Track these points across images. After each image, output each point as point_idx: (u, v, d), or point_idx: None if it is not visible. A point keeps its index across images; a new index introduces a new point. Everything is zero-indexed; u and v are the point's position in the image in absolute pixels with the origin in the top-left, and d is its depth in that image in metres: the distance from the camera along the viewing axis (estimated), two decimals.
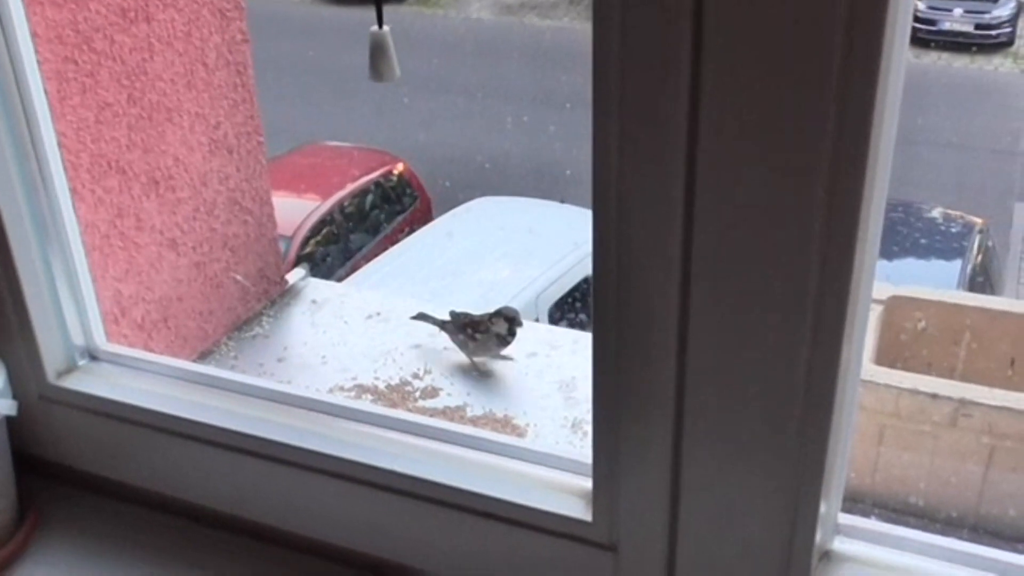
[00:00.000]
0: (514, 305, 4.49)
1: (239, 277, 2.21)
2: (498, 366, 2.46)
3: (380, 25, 1.54)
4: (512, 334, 2.40)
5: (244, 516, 1.22)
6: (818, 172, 0.75)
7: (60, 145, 1.23)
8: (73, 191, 1.26)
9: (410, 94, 9.38)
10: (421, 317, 2.58)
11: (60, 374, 1.27)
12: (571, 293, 4.90)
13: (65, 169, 1.23)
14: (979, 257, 5.90)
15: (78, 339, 1.28)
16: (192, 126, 2.06)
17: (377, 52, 1.53)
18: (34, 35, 1.15)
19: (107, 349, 1.31)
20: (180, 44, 1.98)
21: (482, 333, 2.38)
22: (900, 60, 0.75)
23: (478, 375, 2.42)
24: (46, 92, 1.19)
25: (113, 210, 1.88)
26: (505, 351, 2.45)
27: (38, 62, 1.17)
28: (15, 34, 1.12)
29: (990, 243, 6.21)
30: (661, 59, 0.76)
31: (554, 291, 4.84)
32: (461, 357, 2.47)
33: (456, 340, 2.46)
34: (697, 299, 0.83)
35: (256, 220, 2.42)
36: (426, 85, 9.56)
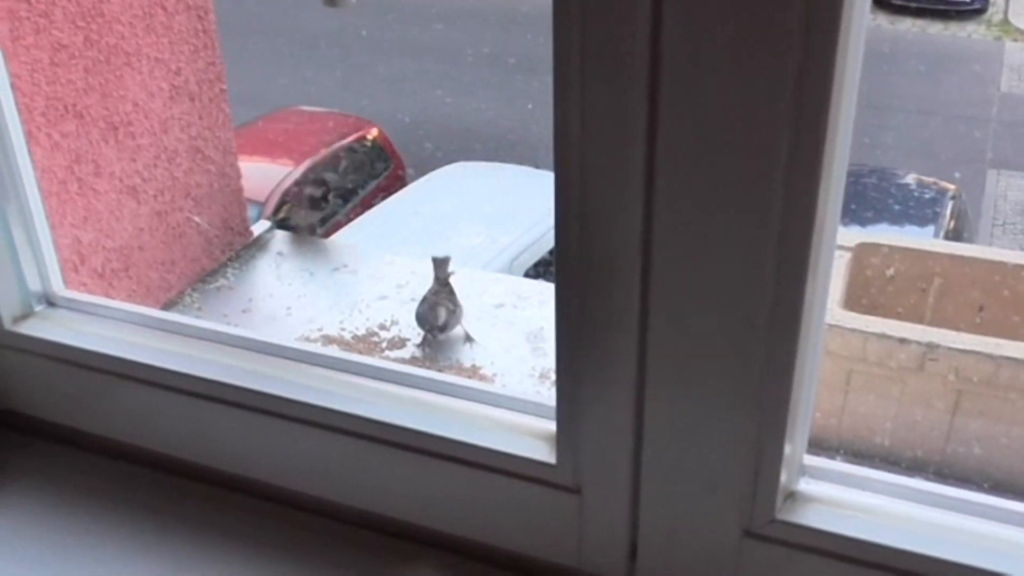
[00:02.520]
0: (490, 270, 4.50)
1: (198, 219, 2.18)
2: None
3: None
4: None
5: (207, 464, 1.21)
6: (781, 102, 0.74)
7: (13, 87, 1.19)
8: (28, 135, 1.22)
9: (392, 55, 9.29)
10: (442, 262, 2.54)
11: (16, 320, 1.24)
12: (546, 258, 4.91)
13: (19, 112, 1.20)
14: (952, 223, 5.98)
15: (34, 285, 1.26)
16: (152, 71, 2.01)
17: None
18: None
19: (65, 295, 1.28)
20: None
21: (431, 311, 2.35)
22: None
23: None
24: None
25: (70, 155, 1.84)
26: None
27: None
28: None
29: (963, 209, 6.29)
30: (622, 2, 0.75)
31: (528, 256, 4.85)
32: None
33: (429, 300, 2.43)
34: (659, 236, 0.82)
35: (219, 169, 2.38)
36: (404, 47, 9.46)
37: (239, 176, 2.54)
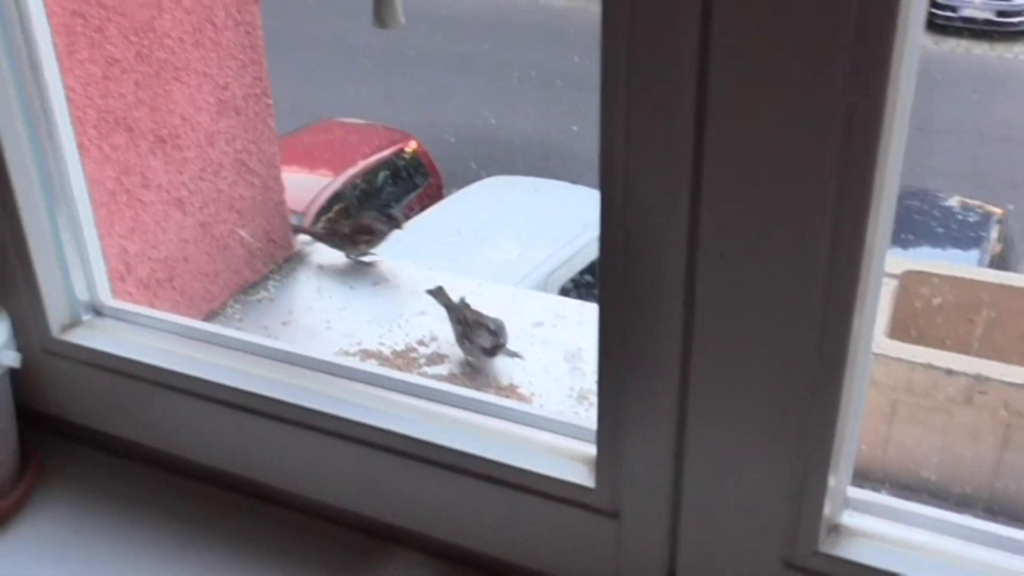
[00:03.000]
0: (524, 285, 4.48)
1: (244, 233, 2.19)
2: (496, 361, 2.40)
3: None
4: (493, 353, 2.32)
5: (244, 475, 1.22)
6: (831, 130, 0.74)
7: (68, 100, 1.21)
8: (80, 146, 1.25)
9: (424, 72, 9.35)
10: (436, 293, 2.55)
11: (64, 328, 1.26)
12: (582, 275, 4.89)
13: (72, 124, 1.22)
14: (998, 247, 5.86)
15: (82, 294, 1.28)
16: (200, 85, 2.04)
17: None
18: None
19: (111, 305, 1.30)
20: (188, 2, 1.96)
21: (469, 342, 2.33)
22: (916, 31, 0.74)
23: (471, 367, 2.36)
24: (55, 45, 1.17)
25: (119, 167, 1.87)
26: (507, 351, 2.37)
27: (46, 15, 1.15)
28: None
29: (1009, 234, 6.16)
30: (670, 26, 0.75)
31: (564, 272, 4.83)
32: None
33: (454, 328, 2.42)
34: (704, 262, 0.82)
35: (263, 183, 2.40)
36: (440, 63, 9.52)
37: (282, 190, 2.56)
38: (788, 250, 0.79)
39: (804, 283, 0.79)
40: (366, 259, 2.73)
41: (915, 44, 0.74)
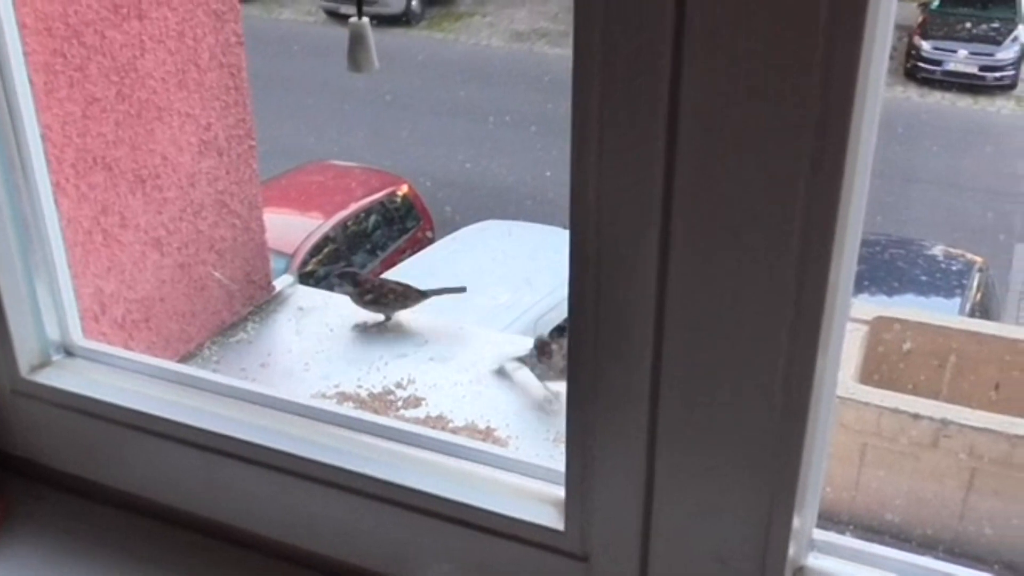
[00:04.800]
0: (513, 330, 4.48)
1: (218, 275, 2.19)
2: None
3: (360, 15, 1.53)
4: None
5: (217, 519, 1.21)
6: (797, 178, 0.75)
7: (44, 138, 1.22)
8: (56, 185, 1.25)
9: (417, 117, 9.42)
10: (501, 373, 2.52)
11: (33, 368, 1.25)
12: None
13: (48, 162, 1.22)
14: (979, 295, 5.95)
15: (53, 334, 1.27)
16: (182, 126, 2.05)
17: (356, 42, 1.52)
18: (22, 25, 1.14)
19: (83, 345, 1.29)
20: (173, 43, 1.97)
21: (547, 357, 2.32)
22: (877, 88, 0.75)
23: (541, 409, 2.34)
24: (31, 83, 1.18)
25: (97, 206, 1.87)
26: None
27: (24, 53, 1.16)
28: (1, 24, 1.12)
29: (990, 282, 6.26)
30: (641, 77, 0.76)
31: (553, 316, 4.83)
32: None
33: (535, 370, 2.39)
34: (672, 309, 0.82)
35: (244, 224, 2.40)
36: (434, 108, 9.60)
37: (263, 231, 2.57)
38: (754, 298, 0.80)
39: (770, 329, 0.80)
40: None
41: (876, 97, 0.76)
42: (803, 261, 0.77)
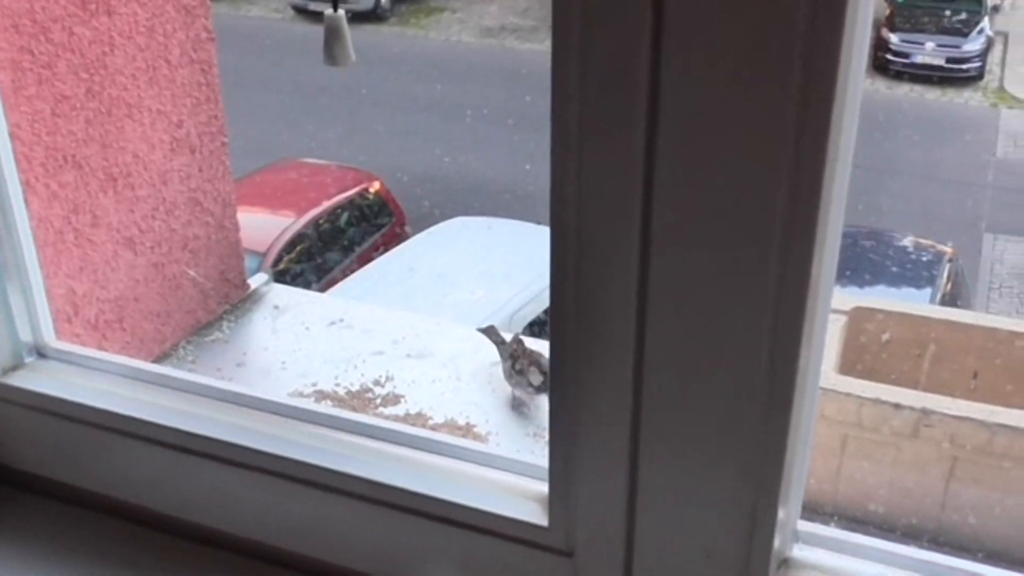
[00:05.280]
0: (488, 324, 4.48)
1: (193, 273, 2.17)
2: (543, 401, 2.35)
3: (336, 8, 1.52)
4: (541, 389, 2.29)
5: (196, 521, 1.19)
6: (778, 169, 0.75)
7: (13, 136, 1.20)
8: (26, 184, 1.23)
9: (393, 112, 9.39)
10: (488, 332, 2.51)
11: (5, 371, 1.23)
12: (546, 314, 4.86)
13: (17, 161, 1.20)
14: (949, 285, 6.02)
15: (25, 336, 1.25)
16: (153, 123, 2.02)
17: (332, 36, 1.50)
18: None
19: (56, 347, 1.27)
20: (142, 39, 1.95)
21: (518, 374, 2.31)
22: (859, 65, 0.75)
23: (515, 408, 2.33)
24: None
25: (68, 205, 1.84)
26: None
27: None
28: None
29: (960, 272, 6.34)
30: (621, 68, 0.76)
31: (528, 311, 4.84)
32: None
33: (503, 366, 2.39)
34: (654, 299, 0.82)
35: (217, 222, 2.38)
36: (410, 104, 9.57)
37: (237, 229, 2.55)
38: (736, 289, 0.79)
39: (752, 320, 0.80)
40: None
41: (857, 87, 0.76)
42: (785, 252, 0.77)
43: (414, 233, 6.52)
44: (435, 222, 6.23)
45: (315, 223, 6.78)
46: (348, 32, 1.52)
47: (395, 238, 6.79)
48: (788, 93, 0.72)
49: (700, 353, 0.83)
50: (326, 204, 6.95)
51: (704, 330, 0.81)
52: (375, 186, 7.26)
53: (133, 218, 2.03)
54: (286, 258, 6.36)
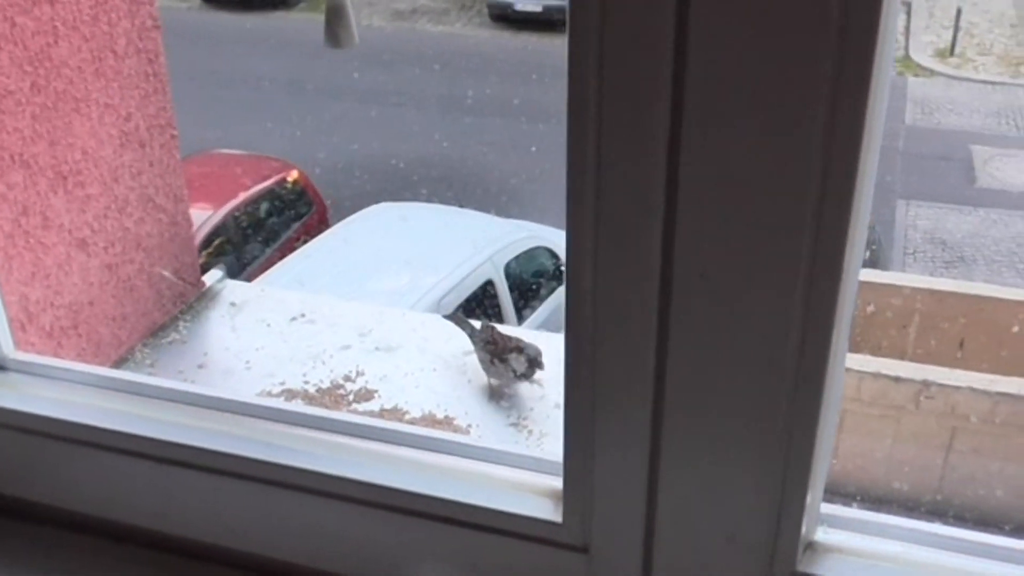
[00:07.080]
0: (416, 310, 4.41)
1: (166, 272, 2.09)
2: (521, 388, 2.30)
3: None
4: (528, 375, 2.22)
5: (171, 532, 1.13)
6: (811, 151, 0.71)
7: None
8: None
9: (315, 101, 9.25)
10: (456, 320, 2.45)
11: None
12: (473, 297, 4.84)
13: None
14: (867, 253, 6.12)
15: None
16: (101, 117, 1.93)
17: (334, 16, 1.43)
18: None
19: (14, 357, 1.20)
20: (87, 28, 1.85)
21: (500, 362, 2.24)
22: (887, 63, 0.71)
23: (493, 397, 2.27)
24: None
25: (17, 207, 1.75)
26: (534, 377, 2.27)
27: None
28: None
29: (878, 238, 6.43)
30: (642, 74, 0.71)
31: (455, 296, 4.78)
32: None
33: (479, 355, 2.31)
34: (679, 284, 0.77)
35: (170, 218, 2.30)
36: (322, 91, 9.42)
37: (190, 225, 2.47)
38: (766, 270, 0.75)
39: (783, 302, 0.76)
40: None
41: (886, 74, 0.72)
42: (819, 231, 0.73)
43: (335, 222, 6.40)
44: (357, 209, 6.10)
45: (233, 215, 6.61)
46: (352, 12, 1.44)
47: (316, 228, 6.65)
48: (823, 58, 0.68)
49: (727, 336, 0.78)
50: (243, 196, 6.78)
51: (732, 310, 0.77)
52: (293, 175, 7.11)
53: (85, 218, 1.93)
54: (204, 253, 6.19)
